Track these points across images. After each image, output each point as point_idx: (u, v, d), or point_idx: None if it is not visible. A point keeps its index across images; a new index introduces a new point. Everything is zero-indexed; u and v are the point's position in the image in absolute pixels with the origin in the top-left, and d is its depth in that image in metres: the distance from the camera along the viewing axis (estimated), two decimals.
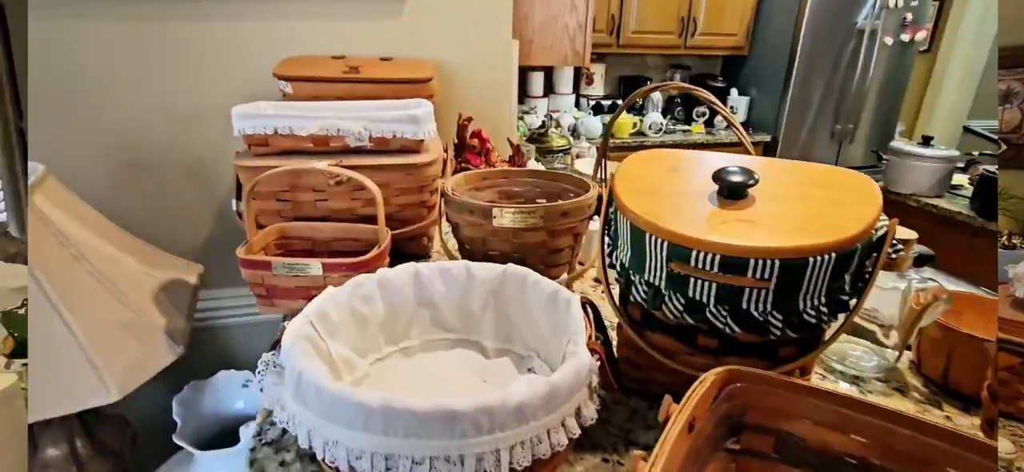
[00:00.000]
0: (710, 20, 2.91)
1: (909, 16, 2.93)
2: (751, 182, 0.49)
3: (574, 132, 2.65)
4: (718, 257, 0.45)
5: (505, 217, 0.65)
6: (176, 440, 0.89)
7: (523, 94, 2.78)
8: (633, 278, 0.53)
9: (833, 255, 0.44)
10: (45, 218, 0.78)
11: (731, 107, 3.15)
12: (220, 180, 1.24)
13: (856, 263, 0.46)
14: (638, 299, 0.53)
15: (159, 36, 1.09)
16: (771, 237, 0.45)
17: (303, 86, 0.98)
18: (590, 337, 0.49)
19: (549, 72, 2.85)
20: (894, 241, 0.61)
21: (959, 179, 2.08)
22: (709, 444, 0.44)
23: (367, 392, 0.40)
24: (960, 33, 3.57)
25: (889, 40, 2.94)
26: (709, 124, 3.12)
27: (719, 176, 0.50)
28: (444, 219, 0.77)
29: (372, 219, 0.78)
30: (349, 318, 0.56)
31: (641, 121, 2.88)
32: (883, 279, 0.66)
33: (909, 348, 0.69)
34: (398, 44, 1.21)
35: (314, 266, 0.67)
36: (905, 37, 2.99)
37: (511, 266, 0.61)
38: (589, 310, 0.53)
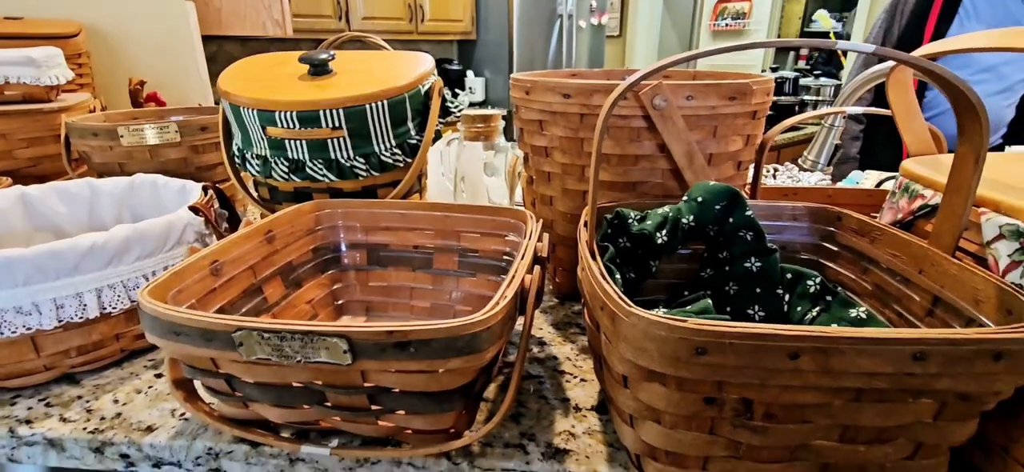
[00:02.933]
0: (436, 7, 3.15)
1: (594, 3, 3.61)
2: (330, 58, 0.60)
3: None
4: (295, 113, 0.54)
5: (134, 135, 0.66)
6: None
7: None
8: (248, 157, 0.60)
9: (385, 102, 0.57)
10: None
11: (470, 88, 3.47)
12: None
13: (411, 111, 0.61)
14: (255, 174, 0.60)
15: None
16: (335, 92, 0.56)
17: None
18: (202, 203, 0.54)
19: None
20: (461, 109, 0.80)
21: None
22: (307, 269, 0.54)
23: None
24: (638, 21, 4.54)
25: (583, 23, 3.59)
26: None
27: (305, 58, 0.60)
28: (67, 152, 0.73)
29: None
30: None
31: None
32: (497, 162, 0.86)
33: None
34: (42, 6, 1.07)
35: None
36: (594, 21, 3.68)
37: (139, 175, 0.62)
38: (210, 191, 0.59)
